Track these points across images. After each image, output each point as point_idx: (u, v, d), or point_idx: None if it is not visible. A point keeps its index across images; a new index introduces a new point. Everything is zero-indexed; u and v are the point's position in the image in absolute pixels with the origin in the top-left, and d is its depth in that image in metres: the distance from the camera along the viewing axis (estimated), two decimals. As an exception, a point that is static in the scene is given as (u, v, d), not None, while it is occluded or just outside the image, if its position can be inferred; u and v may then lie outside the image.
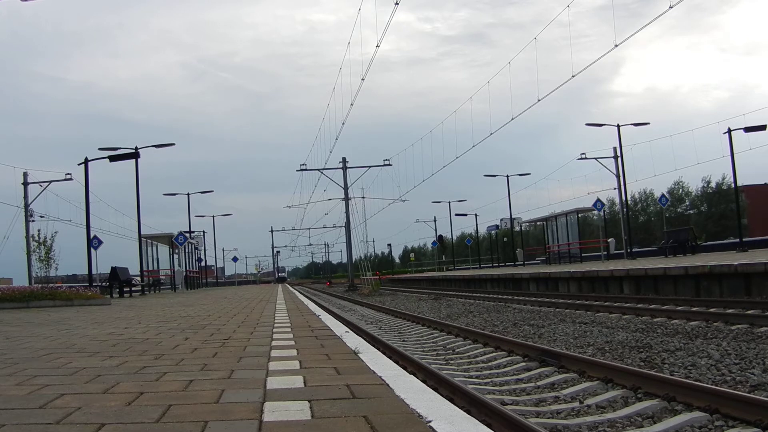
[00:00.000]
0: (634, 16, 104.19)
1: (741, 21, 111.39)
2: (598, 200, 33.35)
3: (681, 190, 71.68)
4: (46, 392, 3.20)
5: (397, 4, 17.70)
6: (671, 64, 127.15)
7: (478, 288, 29.19)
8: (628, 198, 53.29)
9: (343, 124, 31.40)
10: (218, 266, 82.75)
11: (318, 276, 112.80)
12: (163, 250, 33.50)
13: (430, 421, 2.36)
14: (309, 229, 72.74)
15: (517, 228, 52.89)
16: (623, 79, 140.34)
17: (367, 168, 40.47)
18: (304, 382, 3.27)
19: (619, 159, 30.95)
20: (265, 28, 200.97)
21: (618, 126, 30.87)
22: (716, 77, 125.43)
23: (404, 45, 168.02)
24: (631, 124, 31.88)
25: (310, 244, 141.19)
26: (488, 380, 6.39)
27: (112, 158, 24.23)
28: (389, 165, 39.36)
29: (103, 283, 25.19)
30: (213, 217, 59.04)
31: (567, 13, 17.81)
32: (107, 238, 31.02)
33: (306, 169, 40.69)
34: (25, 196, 26.08)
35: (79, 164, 23.85)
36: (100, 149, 24.98)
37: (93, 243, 23.88)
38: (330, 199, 49.69)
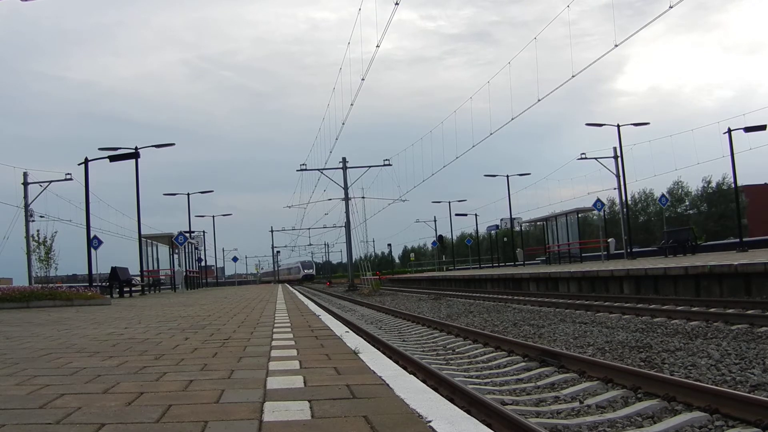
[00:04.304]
0: (638, 15, 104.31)
1: (744, 20, 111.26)
2: (598, 200, 33.36)
3: (681, 190, 71.79)
4: (46, 392, 3.20)
5: (397, 4, 17.71)
6: (675, 63, 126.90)
7: (478, 288, 29.19)
8: (628, 198, 53.38)
9: (343, 124, 31.45)
10: (218, 266, 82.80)
11: (318, 276, 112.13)
12: (163, 250, 33.49)
13: (430, 421, 2.36)
14: (309, 229, 72.60)
15: (517, 228, 52.88)
16: (627, 77, 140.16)
17: (367, 168, 40.48)
18: (304, 382, 3.27)
19: (619, 159, 30.97)
20: (267, 27, 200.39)
21: (618, 126, 30.90)
22: (720, 76, 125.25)
23: (407, 43, 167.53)
24: (631, 124, 31.92)
25: (310, 244, 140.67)
26: (488, 380, 6.39)
27: (112, 158, 24.23)
28: (389, 165, 39.39)
29: (103, 283, 25.21)
30: (213, 217, 59.02)
31: (569, 12, 17.78)
32: (107, 238, 31.08)
33: (306, 169, 40.70)
34: (25, 196, 26.09)
35: (79, 164, 23.89)
36: (100, 149, 25.01)
37: (93, 243, 23.88)
38: (330, 199, 49.63)
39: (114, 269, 23.72)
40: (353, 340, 5.14)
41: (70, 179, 25.82)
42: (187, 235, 38.21)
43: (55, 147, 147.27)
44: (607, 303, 13.87)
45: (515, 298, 18.55)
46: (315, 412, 2.56)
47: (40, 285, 17.94)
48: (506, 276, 27.63)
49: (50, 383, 3.48)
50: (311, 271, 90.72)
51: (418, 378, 4.11)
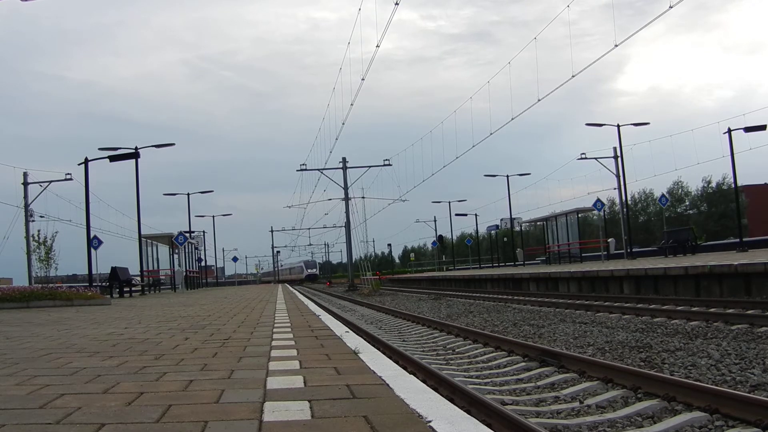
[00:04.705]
0: (638, 15, 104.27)
1: (744, 20, 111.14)
2: (598, 200, 33.36)
3: (680, 190, 71.78)
4: (46, 392, 3.20)
5: (397, 4, 17.71)
6: (675, 63, 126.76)
7: (478, 288, 29.19)
8: (628, 198, 53.37)
9: (343, 123, 31.48)
10: (218, 266, 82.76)
11: (318, 276, 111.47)
12: (163, 250, 33.49)
13: (430, 421, 2.36)
14: (309, 229, 72.56)
15: (517, 228, 52.88)
16: (627, 77, 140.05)
17: (367, 168, 40.50)
18: (304, 382, 3.27)
19: (619, 159, 30.98)
20: (267, 27, 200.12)
21: (618, 126, 30.90)
22: (720, 76, 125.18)
23: (407, 43, 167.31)
24: (631, 124, 31.93)
25: (310, 244, 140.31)
26: (488, 380, 6.39)
27: (112, 158, 24.23)
28: (389, 165, 39.41)
29: (103, 283, 25.20)
30: (213, 217, 59.02)
31: (569, 11, 17.78)
32: (107, 238, 31.07)
33: (306, 169, 40.72)
34: (25, 196, 26.09)
35: (79, 164, 23.88)
36: (100, 149, 25.00)
37: (93, 243, 23.88)
38: (330, 199, 49.63)
39: (114, 269, 23.72)
40: (353, 340, 5.14)
41: (70, 179, 25.85)
42: (187, 235, 38.21)
43: (55, 147, 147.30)
44: (607, 303, 13.87)
45: (515, 298, 18.55)
46: (315, 412, 2.56)
47: (40, 285, 17.93)
48: (506, 276, 27.64)
49: (50, 383, 3.48)
50: (315, 270, 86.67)
51: (418, 378, 4.11)
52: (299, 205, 54.81)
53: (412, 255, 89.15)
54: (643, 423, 4.43)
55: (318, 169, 40.82)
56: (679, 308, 11.69)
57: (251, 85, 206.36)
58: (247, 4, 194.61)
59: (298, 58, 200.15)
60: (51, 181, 26.15)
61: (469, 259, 70.59)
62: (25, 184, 26.13)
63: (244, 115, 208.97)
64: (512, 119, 21.51)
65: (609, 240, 36.13)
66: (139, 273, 27.70)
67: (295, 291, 26.33)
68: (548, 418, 4.70)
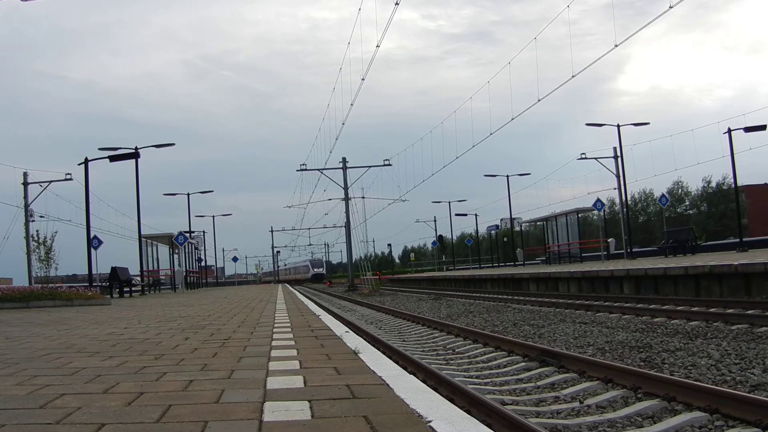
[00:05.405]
0: (639, 14, 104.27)
1: (745, 19, 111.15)
2: (598, 200, 33.35)
3: (680, 190, 71.79)
4: (46, 392, 3.20)
5: (397, 3, 17.71)
6: (676, 63, 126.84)
7: (478, 288, 29.19)
8: (628, 198, 53.39)
9: (343, 124, 31.48)
10: (218, 266, 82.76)
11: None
12: (163, 250, 33.49)
13: (430, 421, 2.36)
14: (309, 229, 72.59)
15: (517, 228, 52.89)
16: (627, 77, 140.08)
17: (367, 168, 40.50)
18: (304, 382, 3.27)
19: (619, 159, 30.98)
20: (267, 26, 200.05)
21: (618, 126, 30.90)
22: (720, 76, 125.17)
23: (407, 43, 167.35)
24: (631, 124, 31.93)
25: (310, 244, 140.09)
26: (488, 380, 6.39)
27: (112, 158, 24.23)
28: (389, 165, 39.41)
29: (103, 283, 25.19)
30: (213, 217, 58.99)
31: (569, 11, 17.77)
32: (107, 238, 31.09)
33: (306, 169, 40.73)
34: (25, 196, 26.08)
35: (79, 164, 23.88)
36: (100, 149, 25.00)
37: (93, 243, 23.88)
38: (330, 199, 49.66)
39: (114, 269, 23.72)
40: (353, 340, 5.14)
41: (70, 179, 25.83)
42: (187, 235, 38.19)
43: (55, 147, 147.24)
44: (607, 303, 13.87)
45: (515, 298, 18.55)
46: (315, 412, 2.56)
47: (40, 285, 17.93)
48: (506, 276, 27.63)
49: (50, 383, 3.48)
50: (321, 270, 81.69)
51: (418, 378, 4.12)
52: (299, 205, 54.93)
53: (412, 255, 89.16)
54: (643, 423, 4.43)
55: (318, 169, 40.86)
56: (679, 308, 11.69)
57: (252, 84, 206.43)
58: (247, 3, 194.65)
59: (299, 57, 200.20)
60: (51, 181, 26.16)
61: (469, 259, 70.59)
62: (25, 184, 26.13)
63: (245, 114, 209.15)
64: (512, 119, 21.54)
65: (609, 240, 36.14)
66: (139, 273, 27.71)
67: (294, 291, 26.33)
68: (548, 418, 4.70)
